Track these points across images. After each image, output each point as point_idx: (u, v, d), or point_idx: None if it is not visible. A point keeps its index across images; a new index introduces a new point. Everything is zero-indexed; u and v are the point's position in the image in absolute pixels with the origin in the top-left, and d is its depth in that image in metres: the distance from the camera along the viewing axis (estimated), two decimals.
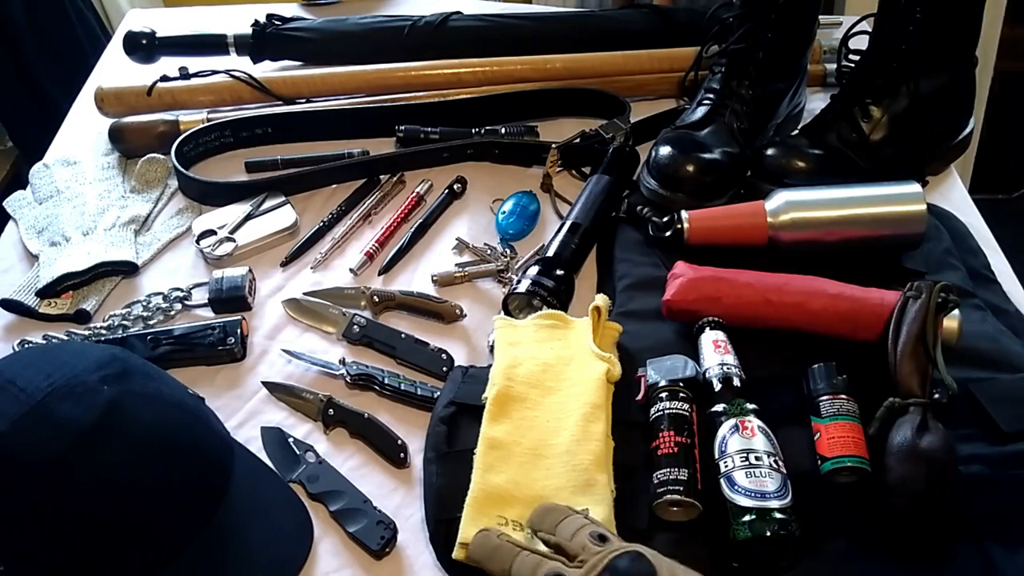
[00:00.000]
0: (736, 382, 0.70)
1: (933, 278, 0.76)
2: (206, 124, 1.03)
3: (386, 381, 0.77)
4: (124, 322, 0.85)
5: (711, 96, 0.96)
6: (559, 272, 0.82)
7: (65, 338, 0.83)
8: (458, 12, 1.17)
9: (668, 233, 0.85)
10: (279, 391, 0.78)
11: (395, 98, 1.08)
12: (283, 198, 0.96)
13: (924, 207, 0.82)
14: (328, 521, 0.69)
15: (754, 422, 0.66)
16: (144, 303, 0.86)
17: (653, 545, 0.57)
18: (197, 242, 0.92)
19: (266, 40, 1.15)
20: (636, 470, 0.67)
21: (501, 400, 0.70)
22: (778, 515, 0.61)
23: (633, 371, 0.74)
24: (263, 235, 0.92)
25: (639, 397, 0.72)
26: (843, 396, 0.69)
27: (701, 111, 0.95)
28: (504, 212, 0.94)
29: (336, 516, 0.69)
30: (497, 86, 1.08)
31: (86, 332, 0.84)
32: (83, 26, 1.79)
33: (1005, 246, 0.90)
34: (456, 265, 0.90)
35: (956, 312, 0.72)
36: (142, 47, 1.13)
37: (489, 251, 0.91)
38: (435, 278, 0.88)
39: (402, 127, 1.03)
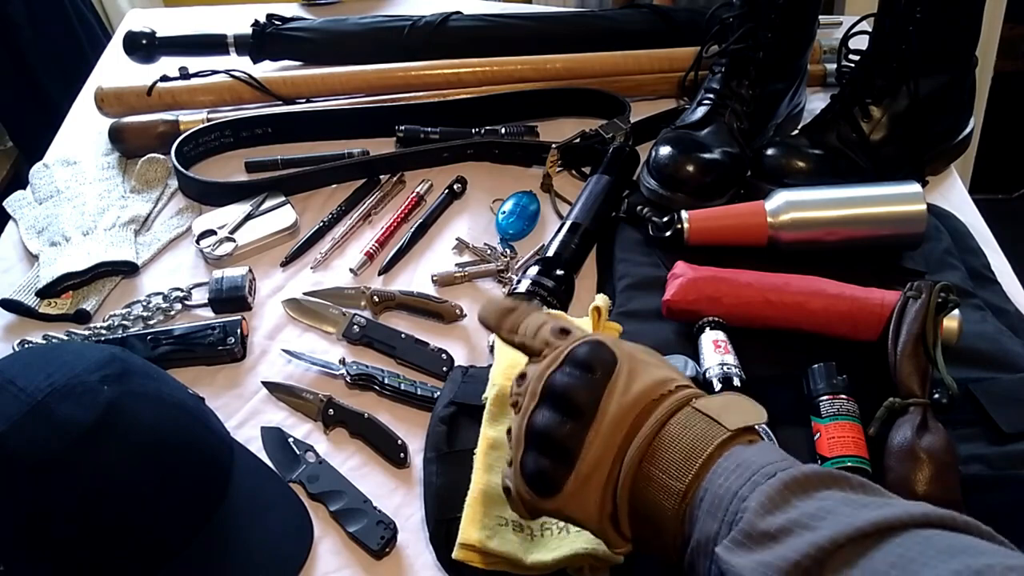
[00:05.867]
0: (736, 382, 0.70)
1: (933, 278, 0.76)
2: (206, 124, 1.03)
3: (386, 381, 0.77)
4: (124, 322, 0.85)
5: (711, 96, 0.96)
6: (559, 272, 0.82)
7: (65, 338, 0.83)
8: (458, 12, 1.17)
9: (668, 233, 0.85)
10: (279, 391, 0.78)
11: (395, 98, 1.08)
12: (283, 198, 0.96)
13: (924, 207, 0.82)
14: (328, 521, 0.69)
15: None
16: (144, 303, 0.86)
17: None
18: (197, 242, 0.92)
19: (266, 40, 1.15)
20: None
21: (501, 400, 0.70)
22: None
23: None
24: (263, 235, 0.92)
25: None
26: (843, 396, 0.69)
27: (701, 111, 0.95)
28: (504, 212, 0.94)
29: (336, 516, 0.69)
30: (497, 86, 1.08)
31: (86, 332, 0.84)
32: (83, 26, 1.79)
33: (1005, 246, 0.90)
34: (456, 265, 0.90)
35: (956, 312, 0.72)
36: (142, 47, 1.13)
37: (489, 251, 0.91)
38: (435, 278, 0.88)
39: (402, 127, 1.03)
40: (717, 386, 0.69)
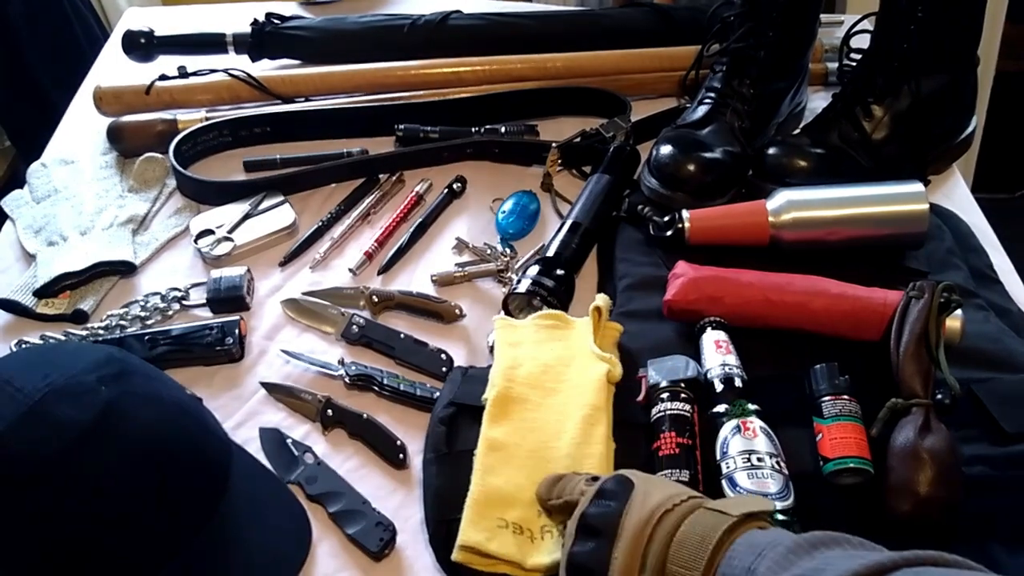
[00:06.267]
0: (738, 382, 0.69)
1: (935, 278, 0.76)
2: (204, 123, 1.03)
3: (385, 381, 0.77)
4: (122, 322, 0.84)
5: (712, 95, 0.95)
6: (559, 272, 0.82)
7: (63, 338, 0.83)
8: (458, 11, 1.17)
9: (669, 233, 0.85)
10: (277, 392, 0.78)
11: (394, 97, 1.08)
12: (282, 197, 0.96)
13: (926, 206, 0.82)
14: (327, 522, 0.69)
15: (756, 423, 0.66)
16: (142, 303, 0.86)
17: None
18: (195, 242, 0.91)
19: (265, 39, 1.15)
20: None
21: (501, 401, 0.70)
22: (780, 516, 0.60)
23: (634, 372, 0.73)
24: (262, 235, 0.92)
25: (640, 398, 0.71)
26: (845, 397, 0.69)
27: (702, 110, 0.95)
28: (504, 212, 0.94)
29: (335, 517, 0.68)
30: (497, 85, 1.08)
31: (84, 332, 0.84)
32: (81, 24, 1.79)
33: (1008, 245, 0.90)
34: (456, 265, 0.90)
35: (959, 312, 0.71)
36: (141, 46, 1.13)
37: (489, 251, 0.91)
38: (435, 278, 0.88)
39: (401, 126, 1.03)
40: (719, 387, 0.69)
